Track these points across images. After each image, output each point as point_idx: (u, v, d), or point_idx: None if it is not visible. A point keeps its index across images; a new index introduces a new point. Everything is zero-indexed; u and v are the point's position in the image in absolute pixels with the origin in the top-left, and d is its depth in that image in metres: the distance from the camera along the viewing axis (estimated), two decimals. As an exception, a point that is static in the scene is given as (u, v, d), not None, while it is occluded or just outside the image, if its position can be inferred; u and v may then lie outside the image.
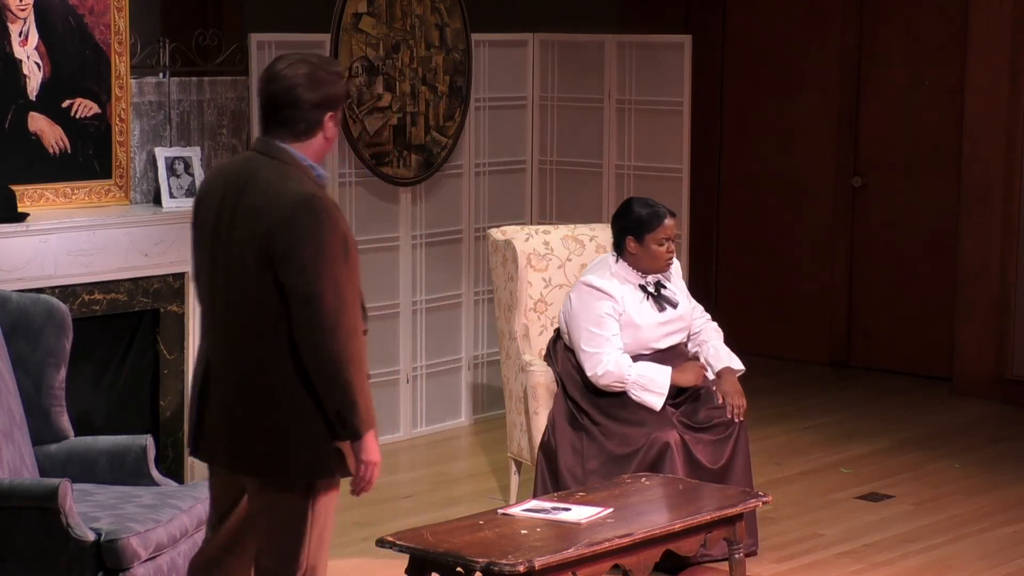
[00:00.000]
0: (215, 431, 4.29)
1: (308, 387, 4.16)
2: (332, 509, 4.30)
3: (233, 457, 4.26)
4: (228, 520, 4.45)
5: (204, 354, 4.35)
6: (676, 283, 6.44)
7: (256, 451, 4.21)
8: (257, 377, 4.19)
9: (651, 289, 6.32)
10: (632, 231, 6.29)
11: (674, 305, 6.35)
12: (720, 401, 6.24)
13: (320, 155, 4.29)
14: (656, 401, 6.15)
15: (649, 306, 6.30)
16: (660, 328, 6.31)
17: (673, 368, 6.21)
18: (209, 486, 4.49)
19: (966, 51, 9.14)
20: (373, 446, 4.24)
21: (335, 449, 4.21)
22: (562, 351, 6.39)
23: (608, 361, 6.17)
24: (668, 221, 6.29)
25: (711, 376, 6.37)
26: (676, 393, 6.24)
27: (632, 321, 6.25)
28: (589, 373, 6.22)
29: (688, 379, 6.22)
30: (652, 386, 6.16)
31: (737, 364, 6.41)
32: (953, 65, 9.34)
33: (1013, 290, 9.01)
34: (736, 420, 6.20)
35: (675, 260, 6.47)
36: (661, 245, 6.28)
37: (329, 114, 4.25)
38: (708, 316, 6.56)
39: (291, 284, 4.10)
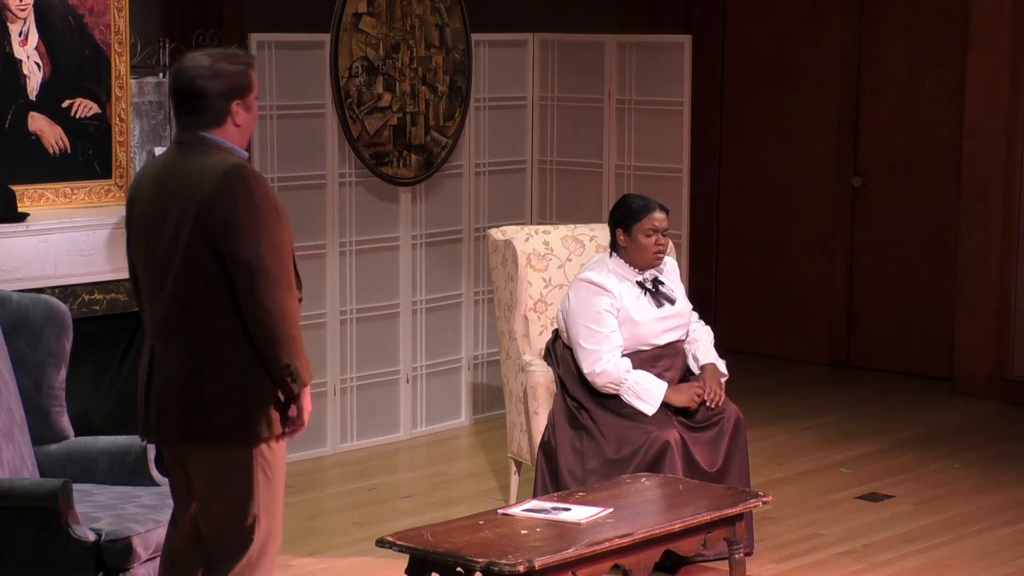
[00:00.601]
0: (165, 412, 4.40)
1: (253, 351, 4.32)
2: (282, 464, 4.46)
3: (185, 430, 4.38)
4: (189, 512, 4.54)
5: (147, 345, 4.48)
6: (674, 281, 6.44)
7: (209, 418, 4.35)
8: (203, 348, 4.34)
9: (648, 286, 6.32)
10: (622, 223, 6.30)
11: (672, 301, 6.35)
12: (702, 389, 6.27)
13: (239, 141, 4.44)
14: (647, 410, 6.16)
15: (647, 302, 6.30)
16: (659, 324, 6.31)
17: (669, 385, 6.22)
18: (169, 482, 4.62)
19: (966, 51, 9.14)
20: (308, 396, 4.44)
21: (281, 406, 4.38)
22: (561, 350, 6.39)
23: (607, 361, 6.17)
24: (657, 213, 6.29)
25: (696, 370, 6.38)
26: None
27: (630, 317, 6.25)
28: (586, 370, 6.22)
29: (681, 399, 6.21)
30: (645, 396, 6.17)
31: (723, 367, 6.40)
32: (953, 65, 9.33)
33: (1013, 290, 9.01)
34: (712, 406, 6.21)
35: (672, 260, 6.49)
36: (649, 236, 6.28)
37: (236, 102, 4.41)
38: (701, 321, 6.56)
39: (231, 251, 4.27)
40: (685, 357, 6.41)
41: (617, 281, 6.28)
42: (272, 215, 4.29)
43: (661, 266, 6.40)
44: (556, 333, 6.46)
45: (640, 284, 6.32)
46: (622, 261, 6.32)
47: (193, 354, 4.35)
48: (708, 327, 6.54)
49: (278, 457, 4.43)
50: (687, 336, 6.45)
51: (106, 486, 5.32)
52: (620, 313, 6.24)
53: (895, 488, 7.31)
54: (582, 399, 6.26)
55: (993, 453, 7.96)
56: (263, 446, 4.38)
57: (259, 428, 4.35)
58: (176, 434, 4.42)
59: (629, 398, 6.17)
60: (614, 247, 6.35)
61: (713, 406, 6.23)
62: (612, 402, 6.21)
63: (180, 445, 4.45)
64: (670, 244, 6.38)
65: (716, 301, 10.21)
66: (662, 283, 6.36)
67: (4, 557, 4.84)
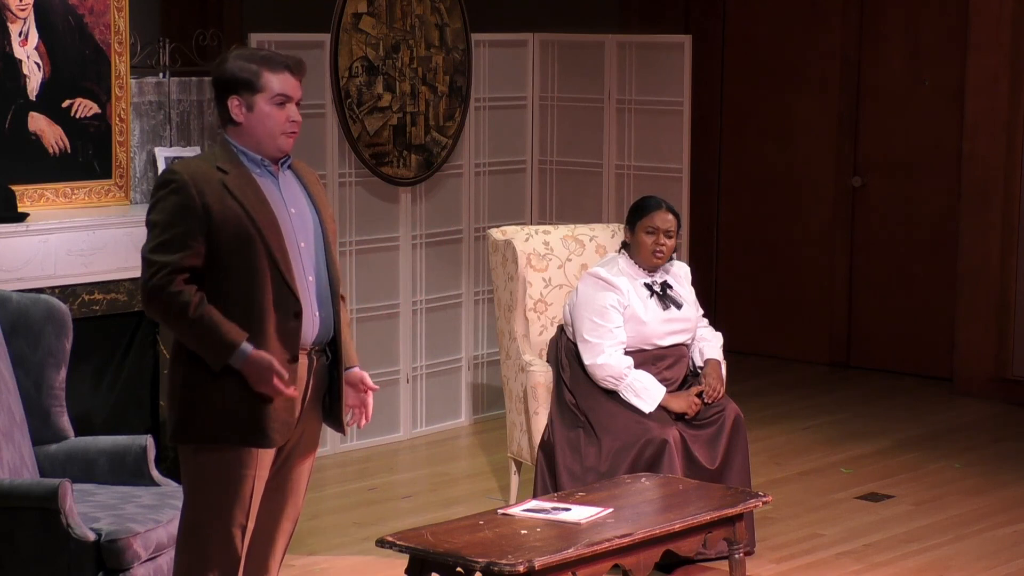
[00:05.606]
0: None
1: (183, 356, 4.27)
2: (227, 472, 4.31)
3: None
4: None
5: None
6: (684, 287, 6.45)
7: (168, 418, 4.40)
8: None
9: (656, 288, 6.34)
10: (630, 220, 6.37)
11: (678, 306, 6.36)
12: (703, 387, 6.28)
13: (253, 141, 4.31)
14: (645, 408, 6.17)
15: (654, 303, 6.32)
16: (664, 326, 6.32)
17: (668, 390, 6.23)
18: None
19: (966, 51, 9.14)
20: (250, 357, 4.19)
21: (213, 413, 4.26)
22: (563, 349, 6.39)
23: (609, 354, 6.19)
24: (660, 213, 6.32)
25: (699, 363, 6.39)
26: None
27: (636, 315, 6.27)
28: (588, 362, 6.23)
29: (679, 405, 6.22)
30: (644, 394, 6.18)
31: (723, 368, 6.41)
32: (953, 65, 9.34)
33: (1013, 290, 9.01)
34: (710, 401, 6.23)
35: (684, 265, 6.53)
36: (649, 234, 6.30)
37: (231, 98, 4.28)
38: (711, 328, 6.57)
39: None
40: (688, 361, 6.42)
41: (626, 280, 6.30)
42: (170, 210, 4.18)
43: (673, 269, 6.43)
44: (561, 328, 6.47)
45: (648, 286, 6.33)
46: (630, 260, 6.35)
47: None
48: (719, 333, 6.54)
49: (215, 465, 4.30)
50: (692, 339, 6.45)
51: (106, 486, 5.32)
52: (627, 311, 6.26)
53: (895, 488, 7.31)
54: (581, 398, 6.27)
55: (993, 453, 7.96)
56: (199, 451, 4.30)
57: (188, 431, 4.30)
58: None
59: (628, 395, 6.18)
60: (625, 244, 6.39)
61: (711, 400, 6.24)
62: (611, 401, 6.22)
63: None
64: (671, 246, 6.36)
65: (716, 301, 10.20)
66: (671, 286, 6.38)
67: (4, 557, 4.84)
